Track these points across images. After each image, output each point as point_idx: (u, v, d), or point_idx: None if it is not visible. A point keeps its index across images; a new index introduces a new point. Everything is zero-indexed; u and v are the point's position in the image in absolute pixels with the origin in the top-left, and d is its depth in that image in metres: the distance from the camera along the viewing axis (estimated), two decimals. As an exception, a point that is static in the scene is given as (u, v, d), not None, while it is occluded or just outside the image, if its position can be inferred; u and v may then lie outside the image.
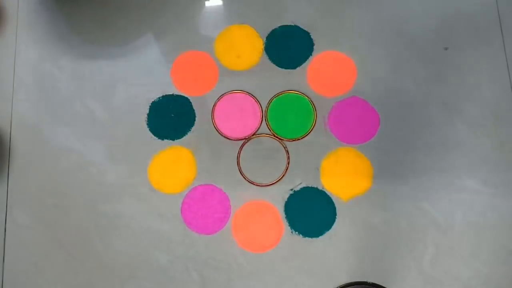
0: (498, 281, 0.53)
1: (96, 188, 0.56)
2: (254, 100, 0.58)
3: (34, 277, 0.54)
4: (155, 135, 0.58)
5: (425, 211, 0.54)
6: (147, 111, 0.59)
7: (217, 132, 0.58)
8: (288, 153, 0.57)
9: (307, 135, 0.57)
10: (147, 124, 0.58)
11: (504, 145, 0.56)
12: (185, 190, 0.56)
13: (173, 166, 0.57)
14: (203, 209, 0.55)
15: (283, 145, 0.57)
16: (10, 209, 0.56)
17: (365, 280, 0.53)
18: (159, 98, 0.59)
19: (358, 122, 0.57)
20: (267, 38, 0.60)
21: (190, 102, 0.59)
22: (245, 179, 0.56)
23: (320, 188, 0.56)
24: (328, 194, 0.55)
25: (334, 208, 0.55)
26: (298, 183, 0.56)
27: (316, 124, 0.57)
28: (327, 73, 0.59)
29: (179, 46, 0.60)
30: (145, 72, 0.60)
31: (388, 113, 0.57)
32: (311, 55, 0.60)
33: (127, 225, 0.55)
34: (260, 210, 0.55)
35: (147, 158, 0.57)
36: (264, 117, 0.58)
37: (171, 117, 0.58)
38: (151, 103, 0.59)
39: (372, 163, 0.56)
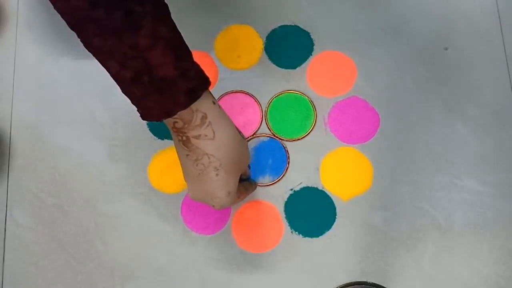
0: (498, 281, 0.53)
1: (96, 188, 0.56)
2: (254, 100, 0.58)
3: (34, 277, 0.54)
4: (155, 135, 0.58)
5: (425, 211, 0.54)
6: (147, 111, 0.58)
7: (217, 132, 0.57)
8: (288, 153, 0.57)
9: (307, 135, 0.57)
10: (147, 124, 0.58)
11: (504, 145, 0.56)
12: (185, 190, 0.56)
13: (173, 166, 0.56)
14: (203, 209, 0.55)
15: (283, 145, 0.57)
16: (10, 209, 0.56)
17: (365, 280, 0.53)
18: (159, 98, 0.59)
19: (358, 122, 0.57)
20: (267, 38, 0.60)
21: (190, 102, 0.58)
22: (245, 179, 0.56)
23: (320, 188, 0.56)
24: (328, 194, 0.55)
25: (334, 208, 0.55)
26: (298, 183, 0.56)
27: (316, 124, 0.57)
28: (327, 73, 0.59)
29: (179, 46, 0.60)
30: (145, 72, 0.60)
31: (388, 113, 0.57)
32: (311, 55, 0.60)
33: (127, 225, 0.55)
34: (260, 210, 0.55)
35: (147, 158, 0.57)
36: (264, 117, 0.58)
37: (171, 117, 0.58)
38: (151, 103, 0.59)
39: (372, 163, 0.56)
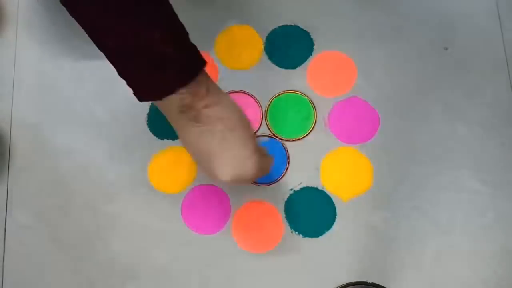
0: (498, 281, 0.53)
1: (96, 188, 0.56)
2: (254, 100, 0.58)
3: (34, 277, 0.54)
4: (155, 135, 0.58)
5: (425, 211, 0.54)
6: (147, 111, 0.59)
7: (217, 132, 0.57)
8: (288, 153, 0.57)
9: (307, 135, 0.57)
10: (147, 124, 0.58)
11: (504, 145, 0.56)
12: (185, 190, 0.56)
13: (173, 166, 0.57)
14: (203, 209, 0.55)
15: (283, 145, 0.57)
16: (10, 209, 0.56)
17: (365, 280, 0.53)
18: (159, 98, 0.59)
19: (358, 122, 0.57)
20: (267, 38, 0.60)
21: (190, 102, 0.58)
22: (245, 179, 0.56)
23: (320, 188, 0.56)
24: (328, 194, 0.55)
25: (334, 208, 0.55)
26: (298, 183, 0.56)
27: (316, 124, 0.57)
28: (327, 73, 0.59)
29: (179, 46, 0.60)
30: (145, 72, 0.60)
31: (388, 113, 0.57)
32: (311, 55, 0.60)
33: (127, 225, 0.55)
34: (260, 210, 0.55)
35: (147, 158, 0.57)
36: (264, 117, 0.58)
37: (171, 117, 0.58)
38: (151, 103, 0.59)
39: (372, 163, 0.56)
